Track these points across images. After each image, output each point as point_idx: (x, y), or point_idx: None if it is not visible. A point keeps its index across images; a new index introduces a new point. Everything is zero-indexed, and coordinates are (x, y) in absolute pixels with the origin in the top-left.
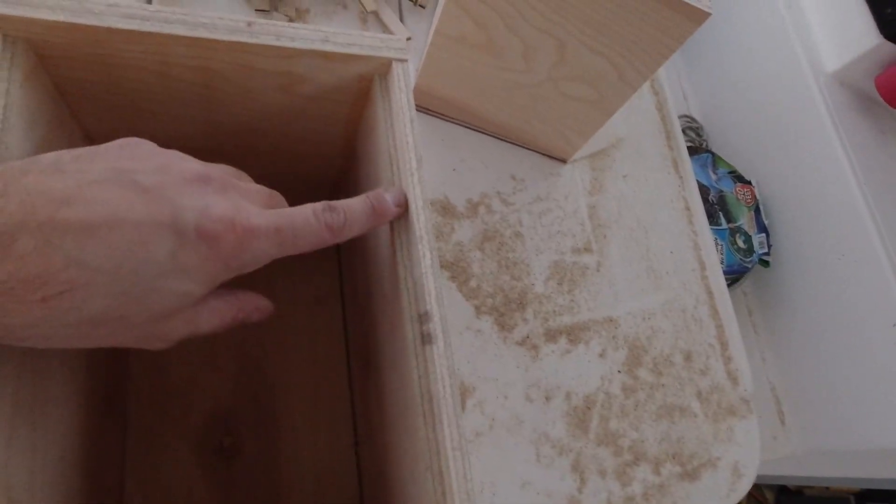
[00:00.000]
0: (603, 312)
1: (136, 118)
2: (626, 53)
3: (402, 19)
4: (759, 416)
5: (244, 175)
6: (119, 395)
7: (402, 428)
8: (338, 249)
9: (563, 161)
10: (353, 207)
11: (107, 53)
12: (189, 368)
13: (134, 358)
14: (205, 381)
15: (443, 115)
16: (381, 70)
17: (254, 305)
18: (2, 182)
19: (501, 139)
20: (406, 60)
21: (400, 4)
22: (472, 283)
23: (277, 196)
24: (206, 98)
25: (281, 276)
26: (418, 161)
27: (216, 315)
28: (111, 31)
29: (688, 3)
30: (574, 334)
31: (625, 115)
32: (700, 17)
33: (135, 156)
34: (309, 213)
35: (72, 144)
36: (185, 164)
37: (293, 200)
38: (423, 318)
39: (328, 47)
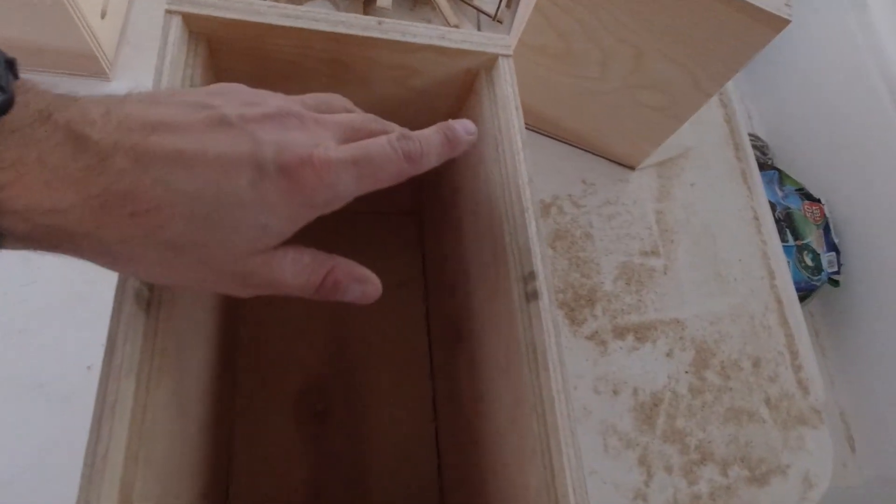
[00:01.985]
0: (670, 314)
1: None
2: (702, 61)
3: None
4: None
5: (336, 100)
6: (231, 360)
7: (500, 383)
8: (421, 239)
9: (632, 168)
10: (427, 137)
11: (261, 46)
12: (286, 342)
13: (243, 329)
14: (300, 353)
15: None
16: (487, 64)
17: (351, 275)
18: (105, 106)
19: (573, 145)
20: (511, 56)
21: (479, 19)
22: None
23: (366, 126)
24: (330, 87)
25: (367, 262)
26: (523, 142)
27: (300, 268)
28: (271, 28)
29: (767, 11)
30: (641, 333)
31: (693, 126)
32: (779, 24)
33: (224, 93)
34: (384, 143)
35: None
36: (269, 100)
37: (393, 188)
38: (529, 277)
39: (445, 43)
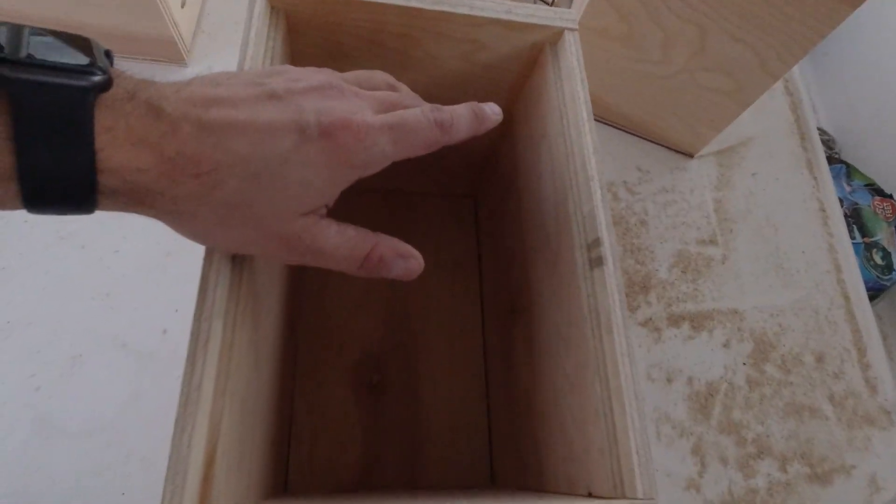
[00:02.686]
0: (728, 304)
1: None
2: (770, 40)
3: None
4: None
5: (378, 76)
6: (294, 329)
7: (559, 350)
8: (476, 220)
9: (690, 156)
10: (457, 110)
11: (337, 21)
12: (345, 314)
13: (306, 300)
14: (358, 326)
15: None
16: (553, 39)
17: (395, 251)
18: (176, 87)
19: (628, 132)
20: (577, 30)
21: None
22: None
23: (401, 102)
24: (401, 63)
25: (424, 242)
26: (588, 113)
27: (345, 240)
28: (347, 2)
29: None
30: (697, 322)
31: (756, 115)
32: (856, 0)
33: (274, 73)
34: (418, 112)
35: None
36: (313, 76)
37: (452, 167)
38: (593, 245)
39: (511, 17)
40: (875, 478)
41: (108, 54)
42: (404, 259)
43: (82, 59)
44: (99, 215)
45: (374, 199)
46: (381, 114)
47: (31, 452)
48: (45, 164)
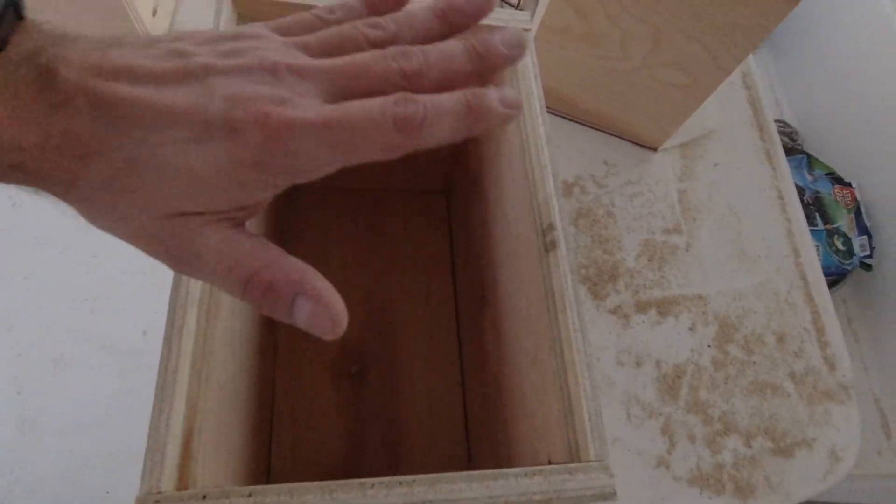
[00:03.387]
0: (693, 289)
1: None
2: (720, 37)
3: None
4: (863, 426)
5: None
6: (274, 320)
7: (521, 330)
8: (449, 216)
9: (654, 149)
10: (439, 103)
11: None
12: None
13: None
14: None
15: None
16: None
17: (289, 282)
18: (89, 49)
19: (595, 128)
20: (530, 29)
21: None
22: None
23: (378, 70)
24: None
25: (399, 239)
26: (542, 107)
27: (229, 250)
28: (310, 8)
29: None
30: (664, 307)
31: (717, 108)
32: None
33: (220, 39)
34: (373, 107)
35: None
36: (256, 51)
37: (422, 163)
38: (547, 230)
39: None
40: (834, 449)
41: (15, 7)
42: (308, 301)
43: None
44: (79, 220)
45: (344, 197)
46: (335, 100)
47: (16, 453)
48: None
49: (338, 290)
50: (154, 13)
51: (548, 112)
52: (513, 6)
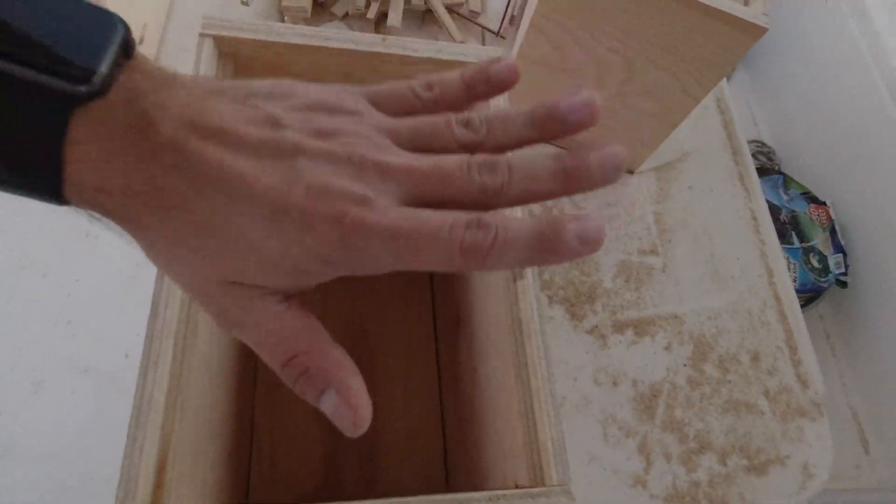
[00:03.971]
0: (668, 309)
1: None
2: (689, 68)
3: None
4: (840, 444)
5: (447, 129)
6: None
7: (491, 355)
8: None
9: (630, 172)
10: (512, 229)
11: (282, 64)
12: None
13: None
14: None
15: None
16: None
17: (328, 374)
18: (188, 99)
19: None
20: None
21: (483, 36)
22: (546, 276)
23: (463, 180)
24: None
25: None
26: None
27: (277, 327)
28: (288, 47)
29: (745, 20)
30: (640, 327)
31: (691, 132)
32: (757, 32)
33: (313, 109)
34: (446, 224)
35: None
36: (346, 134)
37: None
38: None
39: (442, 55)
40: (807, 465)
41: (127, 43)
42: (336, 397)
43: (83, 55)
44: (61, 244)
45: None
46: (409, 203)
47: None
48: (8, 158)
49: (316, 312)
50: (140, 42)
51: None
52: (494, 33)
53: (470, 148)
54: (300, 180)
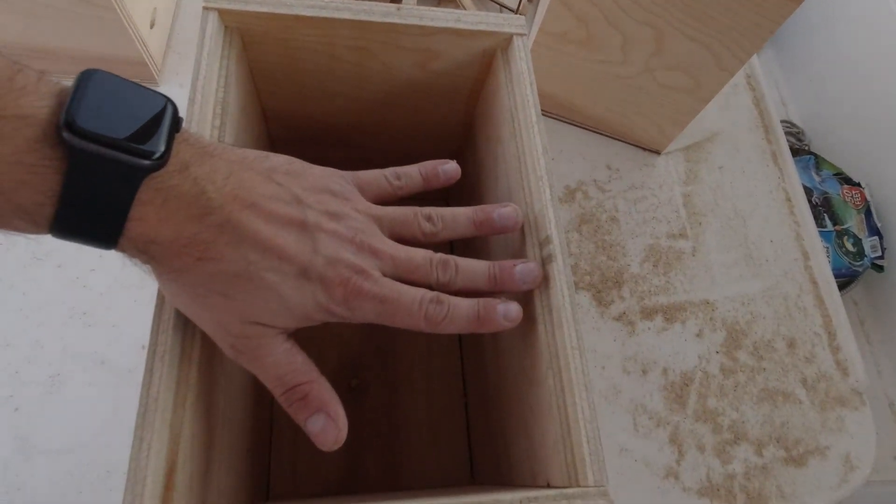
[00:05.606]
0: (699, 295)
1: (303, 96)
2: (723, 39)
3: None
4: (876, 432)
5: (413, 226)
6: None
7: (520, 347)
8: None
9: (657, 152)
10: (458, 307)
11: (291, 38)
12: None
13: None
14: (337, 330)
15: (544, 111)
16: (503, 44)
17: (321, 401)
18: (229, 170)
19: (598, 132)
20: (525, 35)
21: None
22: (570, 261)
23: (422, 267)
24: (358, 75)
25: None
26: (537, 115)
27: (286, 361)
28: (298, 19)
29: None
30: (670, 314)
31: (721, 110)
32: None
33: (323, 190)
34: (415, 299)
35: (256, 118)
36: (350, 220)
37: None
38: (544, 242)
39: (461, 25)
40: (849, 457)
41: (176, 121)
42: (325, 418)
43: (148, 138)
44: None
45: None
46: (391, 276)
47: (12, 472)
48: (80, 218)
49: None
50: (152, 26)
51: (549, 117)
52: (512, 11)
53: (430, 236)
54: (319, 252)
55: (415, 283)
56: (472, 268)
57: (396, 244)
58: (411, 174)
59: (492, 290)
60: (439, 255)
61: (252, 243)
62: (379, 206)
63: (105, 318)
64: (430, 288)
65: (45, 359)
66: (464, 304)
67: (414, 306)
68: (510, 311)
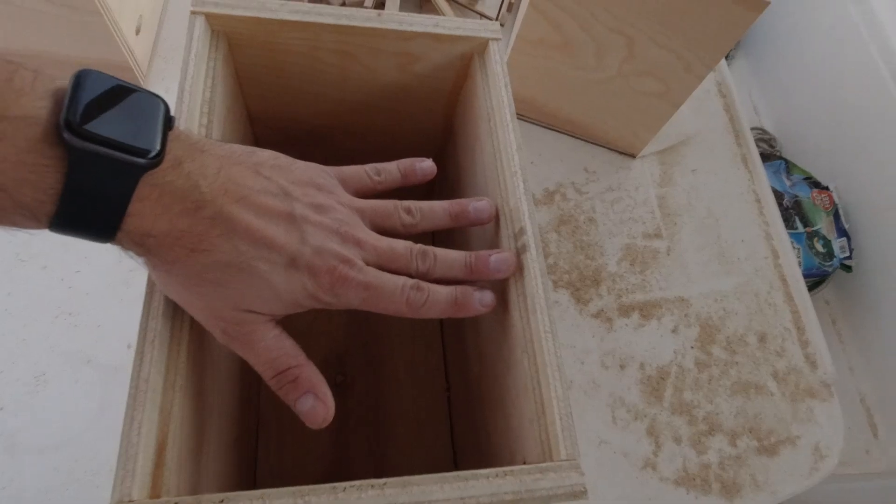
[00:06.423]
0: (674, 292)
1: (288, 98)
2: (691, 46)
3: None
4: (848, 428)
5: (395, 217)
6: None
7: (497, 333)
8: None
9: (633, 156)
10: (438, 293)
11: (276, 41)
12: (309, 316)
13: None
14: (322, 328)
15: (522, 115)
16: (480, 49)
17: (311, 383)
18: (219, 164)
19: (575, 136)
20: (500, 39)
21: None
22: (550, 261)
23: (402, 257)
24: (342, 78)
25: None
26: (512, 115)
27: (276, 346)
28: (282, 23)
29: None
30: (646, 310)
31: (693, 115)
32: (759, 6)
33: (311, 185)
34: (397, 285)
35: (241, 118)
36: (335, 211)
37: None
38: (519, 233)
39: (439, 30)
40: (819, 446)
41: (169, 120)
42: (314, 398)
43: (143, 137)
44: (60, 236)
45: None
46: (374, 265)
47: (0, 472)
48: (79, 214)
49: None
50: (138, 32)
51: (529, 122)
52: (491, 19)
53: (409, 227)
54: (306, 241)
55: (396, 272)
56: (450, 257)
57: (379, 235)
58: (390, 170)
59: (468, 279)
60: (419, 245)
61: (243, 235)
62: (361, 199)
63: (90, 318)
64: (411, 276)
65: (31, 358)
66: (442, 291)
67: (396, 293)
68: (485, 297)
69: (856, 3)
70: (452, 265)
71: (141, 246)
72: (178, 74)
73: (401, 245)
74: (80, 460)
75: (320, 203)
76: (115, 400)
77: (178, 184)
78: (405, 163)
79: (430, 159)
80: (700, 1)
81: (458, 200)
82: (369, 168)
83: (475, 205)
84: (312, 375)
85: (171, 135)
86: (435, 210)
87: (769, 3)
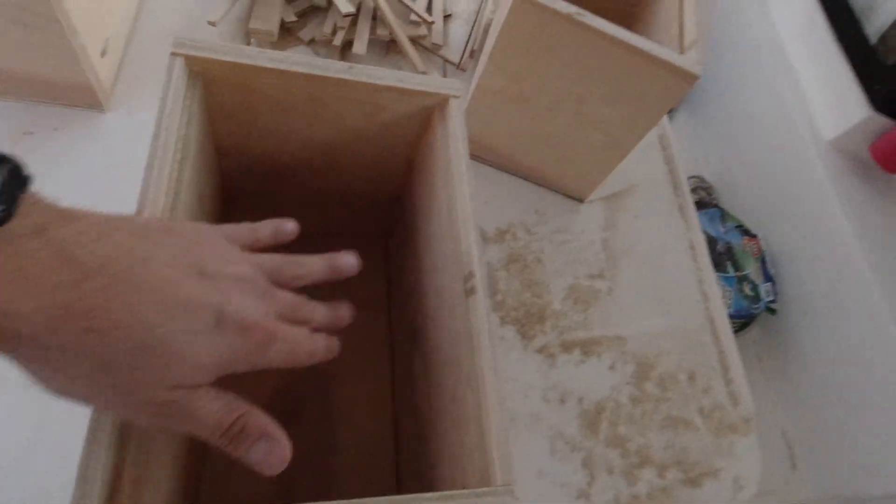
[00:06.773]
0: (613, 331)
1: (257, 135)
2: (633, 106)
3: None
4: (770, 461)
5: (288, 269)
6: None
7: (446, 368)
8: (387, 258)
9: (581, 200)
10: (320, 340)
11: (250, 84)
12: None
13: None
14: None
15: (479, 157)
16: (441, 104)
17: (260, 428)
18: (98, 232)
19: (529, 180)
20: (459, 97)
21: (445, 67)
22: (498, 297)
23: (306, 309)
24: (310, 120)
25: (341, 282)
26: (466, 166)
27: (217, 406)
28: (258, 69)
29: (681, 67)
30: (587, 347)
31: (637, 165)
32: (691, 78)
33: (208, 244)
34: (305, 337)
35: (210, 154)
36: (241, 265)
37: (365, 209)
38: (468, 277)
39: (404, 84)
40: (738, 478)
41: (18, 180)
42: (267, 442)
43: None
44: None
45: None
46: (282, 319)
47: None
48: None
49: None
50: (103, 54)
51: (486, 164)
52: (455, 65)
53: (297, 279)
54: (230, 300)
55: (296, 323)
56: (318, 306)
57: (282, 289)
58: (264, 230)
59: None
60: (304, 295)
61: (152, 301)
62: (255, 255)
63: None
64: (302, 326)
65: None
66: (321, 339)
67: (304, 344)
68: (326, 346)
69: (784, 73)
70: (326, 314)
71: (3, 336)
72: (140, 98)
73: (297, 297)
74: (14, 490)
75: (227, 258)
76: (52, 426)
77: (45, 254)
78: (271, 225)
79: (291, 225)
80: (642, 72)
81: (331, 255)
82: (248, 226)
83: (345, 259)
84: (260, 419)
85: (27, 199)
86: (316, 264)
87: (699, 77)
